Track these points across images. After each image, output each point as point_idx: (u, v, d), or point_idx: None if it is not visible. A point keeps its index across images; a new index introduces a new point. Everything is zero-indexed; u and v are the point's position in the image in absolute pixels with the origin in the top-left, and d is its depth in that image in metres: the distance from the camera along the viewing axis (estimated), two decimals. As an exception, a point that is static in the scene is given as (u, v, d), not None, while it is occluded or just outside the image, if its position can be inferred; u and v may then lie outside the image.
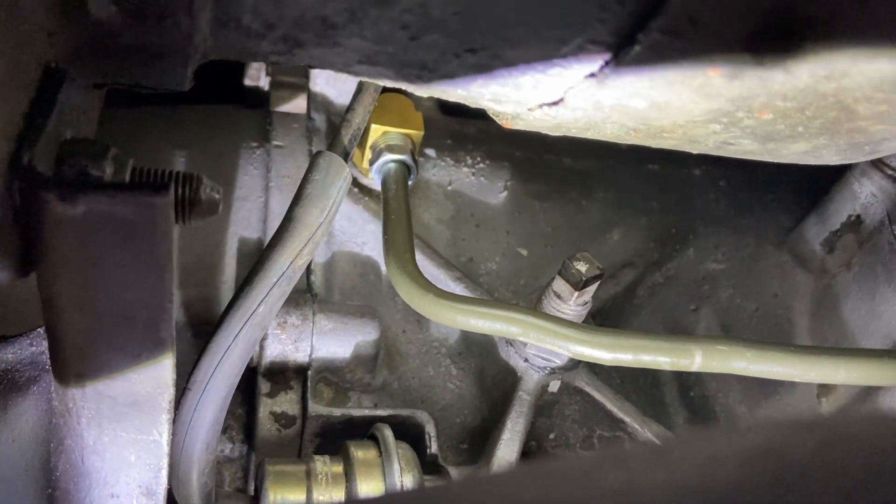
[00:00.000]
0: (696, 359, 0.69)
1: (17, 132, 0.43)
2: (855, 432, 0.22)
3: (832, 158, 0.63)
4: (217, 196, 0.51)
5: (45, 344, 0.63)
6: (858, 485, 0.19)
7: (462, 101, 0.58)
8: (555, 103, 0.53)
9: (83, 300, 0.45)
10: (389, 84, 0.56)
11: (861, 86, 0.47)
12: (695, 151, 0.65)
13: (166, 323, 0.47)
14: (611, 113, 0.53)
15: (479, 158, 1.04)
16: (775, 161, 0.65)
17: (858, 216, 0.97)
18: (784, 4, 0.40)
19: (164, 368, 0.50)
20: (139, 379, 0.51)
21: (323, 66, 0.51)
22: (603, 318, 0.99)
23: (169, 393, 0.53)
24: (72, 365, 0.50)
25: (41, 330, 0.63)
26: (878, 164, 0.94)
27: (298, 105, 1.01)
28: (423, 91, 0.56)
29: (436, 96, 0.57)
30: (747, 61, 0.43)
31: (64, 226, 0.41)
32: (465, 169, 1.03)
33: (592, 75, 0.47)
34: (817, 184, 1.06)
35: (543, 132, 0.62)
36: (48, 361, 0.62)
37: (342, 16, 0.43)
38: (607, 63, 0.45)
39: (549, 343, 0.72)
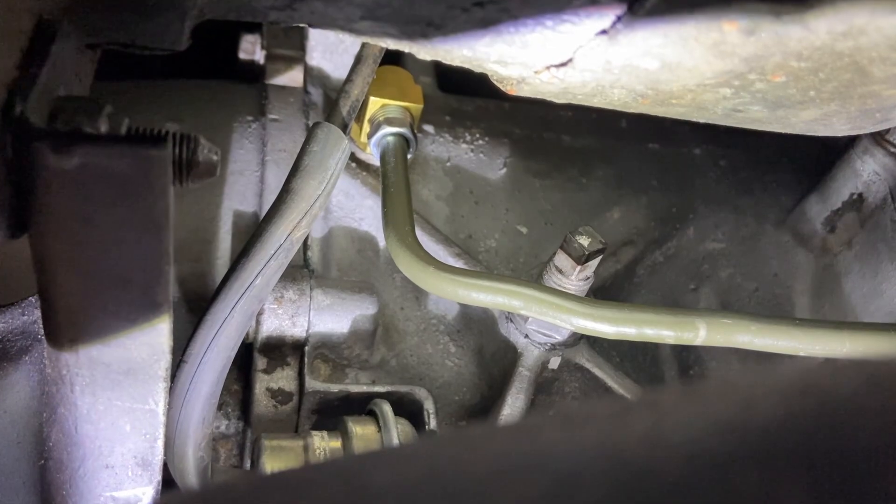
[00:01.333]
0: (701, 332, 0.68)
1: (9, 82, 0.41)
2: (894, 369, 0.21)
3: (841, 127, 0.62)
4: (215, 157, 0.50)
5: (37, 313, 0.61)
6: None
7: (466, 64, 0.56)
8: (563, 64, 0.51)
9: (77, 260, 0.43)
10: (392, 44, 0.54)
11: (878, 44, 0.46)
12: (702, 120, 0.64)
13: (163, 287, 0.46)
14: (620, 75, 0.52)
15: (477, 135, 1.03)
16: (783, 130, 0.64)
17: (860, 194, 0.96)
18: (806, -48, 0.39)
19: (160, 334, 0.49)
20: (134, 345, 0.49)
21: (324, 24, 0.50)
22: (602, 296, 0.98)
23: (165, 360, 0.51)
24: (65, 329, 0.48)
25: (33, 299, 0.61)
26: (882, 141, 0.94)
27: (294, 79, 0.99)
28: (426, 52, 0.55)
29: (439, 58, 0.56)
30: (765, 14, 0.42)
31: (57, 179, 0.39)
32: (464, 145, 1.02)
33: (604, 32, 0.45)
34: (818, 163, 1.05)
35: (549, 98, 0.61)
36: (40, 331, 0.61)
37: (347, -35, 0.42)
38: (620, 17, 0.44)
39: (551, 316, 0.70)
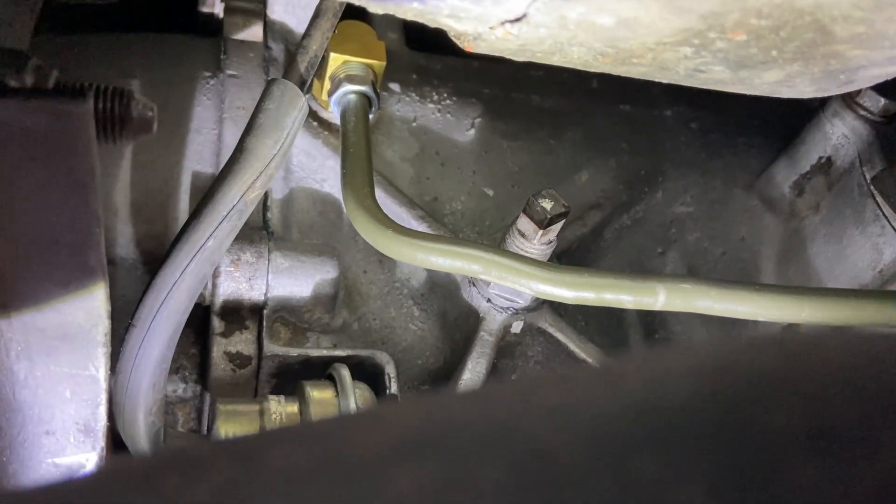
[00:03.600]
0: (660, 297, 0.68)
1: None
2: (819, 346, 0.20)
3: (806, 89, 0.61)
4: (150, 114, 0.47)
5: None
6: (821, 399, 0.17)
7: (419, 19, 0.54)
8: (517, 20, 0.49)
9: (0, 223, 0.41)
10: (340, -3, 0.52)
11: (839, 2, 0.44)
12: (665, 80, 0.62)
13: (95, 250, 0.44)
14: (577, 31, 0.50)
15: (445, 95, 1.00)
16: (748, 92, 0.63)
17: (829, 158, 0.96)
18: None
19: (95, 299, 0.47)
20: (69, 310, 0.48)
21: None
22: (569, 260, 0.97)
23: (103, 325, 0.50)
24: (-5, 294, 0.46)
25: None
26: (851, 104, 0.92)
27: (255, 33, 0.96)
28: (377, 5, 0.52)
29: (390, 12, 0.53)
30: (721, -32, 0.40)
31: (-30, 136, 0.37)
32: (431, 105, 1.00)
33: (556, -15, 0.43)
34: (788, 127, 1.04)
35: (508, 56, 0.59)
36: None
37: None
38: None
39: (510, 281, 0.69)
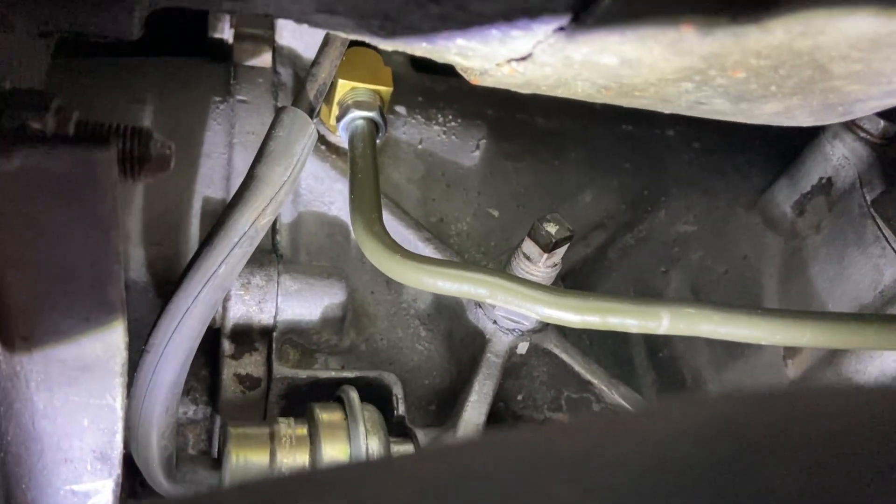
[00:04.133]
0: (664, 321, 0.69)
1: (-53, 80, 0.40)
2: (817, 406, 0.21)
3: (805, 119, 0.62)
4: (168, 152, 0.49)
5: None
6: (820, 463, 0.18)
7: (428, 56, 0.55)
8: (523, 59, 0.51)
9: (24, 260, 0.43)
10: (351, 36, 0.53)
11: (837, 43, 0.45)
12: (667, 111, 0.63)
13: (114, 285, 0.45)
14: (581, 70, 0.51)
15: (450, 116, 1.02)
16: (748, 122, 0.64)
17: (829, 179, 0.97)
18: (760, -45, 0.38)
19: (114, 332, 0.49)
20: (89, 342, 0.49)
21: (279, 15, 0.49)
22: (573, 280, 0.98)
23: (121, 356, 0.51)
24: (17, 327, 0.48)
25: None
26: (851, 126, 0.94)
27: (264, 59, 0.98)
28: (387, 44, 0.54)
29: (400, 49, 0.55)
30: (721, 17, 0.41)
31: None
32: (437, 127, 1.01)
33: (561, 29, 0.45)
34: (790, 146, 1.05)
35: (513, 89, 0.60)
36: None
37: (296, -40, 0.41)
38: (576, 17, 0.43)
39: (516, 305, 0.71)
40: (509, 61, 0.52)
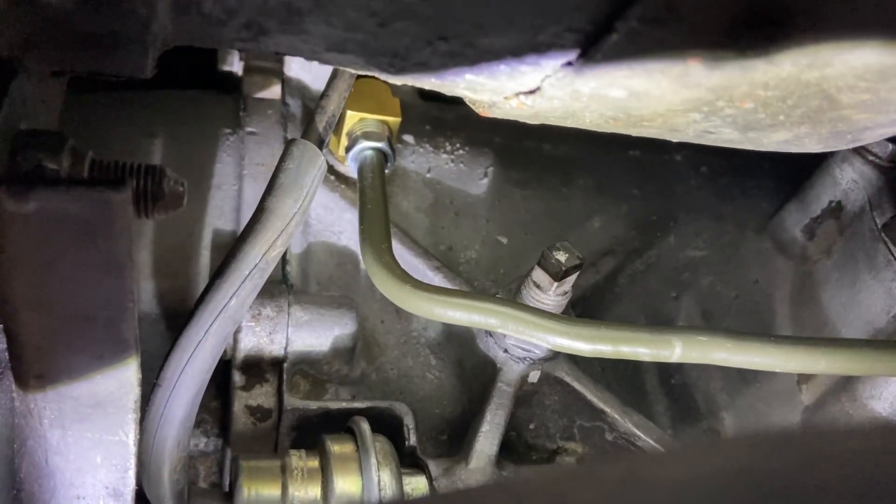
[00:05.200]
0: (677, 350, 0.68)
1: (-35, 125, 0.40)
2: (835, 449, 0.21)
3: (814, 147, 0.62)
4: (181, 189, 0.49)
5: (8, 341, 0.61)
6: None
7: (437, 90, 0.56)
8: (531, 92, 0.51)
9: (39, 300, 0.43)
10: (361, 72, 0.54)
11: (844, 75, 0.45)
12: (675, 140, 0.64)
13: (128, 323, 0.46)
14: (589, 102, 0.51)
15: (458, 145, 1.02)
16: (757, 149, 0.64)
17: (839, 202, 0.97)
18: (766, -8, 0.39)
19: (128, 369, 0.49)
20: (102, 380, 0.49)
21: (290, 53, 0.50)
22: (583, 307, 0.98)
23: (134, 393, 0.51)
24: (31, 366, 0.48)
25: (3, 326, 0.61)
26: (860, 150, 0.94)
27: (273, 90, 0.99)
28: (396, 79, 0.54)
29: (409, 84, 0.55)
30: (728, 51, 0.42)
31: (15, 223, 0.39)
32: (445, 155, 1.02)
33: (569, 64, 0.45)
34: (799, 170, 1.05)
35: (521, 120, 0.60)
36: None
37: (307, 2, 0.41)
38: (584, 52, 0.44)
39: (528, 335, 0.70)
40: (518, 95, 0.52)
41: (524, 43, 0.44)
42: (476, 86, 0.52)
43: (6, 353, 0.61)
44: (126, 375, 0.49)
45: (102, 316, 0.44)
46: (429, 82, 0.53)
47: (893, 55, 0.44)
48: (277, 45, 0.48)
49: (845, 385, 0.86)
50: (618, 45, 0.42)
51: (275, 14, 0.43)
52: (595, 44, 0.43)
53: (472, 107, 0.61)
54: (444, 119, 1.05)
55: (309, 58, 0.49)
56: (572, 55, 0.44)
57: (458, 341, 0.91)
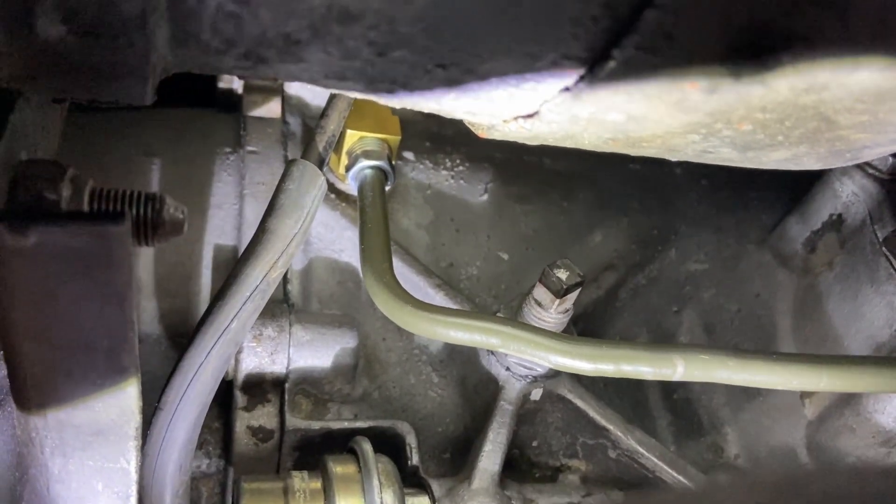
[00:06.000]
0: (679, 368, 0.68)
1: (-36, 159, 0.41)
2: (838, 495, 0.20)
3: (813, 164, 0.62)
4: (181, 216, 0.49)
5: (9, 367, 0.61)
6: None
7: (436, 113, 0.56)
8: (530, 116, 0.51)
9: (40, 331, 0.43)
10: (360, 97, 0.54)
11: (841, 98, 0.46)
12: (674, 159, 0.64)
13: (129, 352, 0.46)
14: (587, 125, 0.52)
15: (458, 161, 1.03)
16: (755, 167, 0.64)
17: (840, 215, 0.96)
18: (761, 20, 0.39)
19: (128, 397, 0.49)
20: (103, 408, 0.49)
21: (289, 79, 0.50)
22: (585, 323, 0.98)
23: (135, 420, 0.51)
24: (32, 395, 0.48)
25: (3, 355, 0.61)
26: (860, 163, 0.94)
27: (273, 109, 0.99)
28: (395, 103, 0.54)
29: (409, 107, 0.55)
30: (725, 76, 0.42)
31: (15, 257, 0.39)
32: (445, 172, 1.02)
33: (567, 89, 0.45)
34: (799, 182, 1.05)
35: (520, 141, 0.61)
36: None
37: (305, 32, 0.42)
38: (582, 78, 0.44)
39: (529, 354, 0.70)
40: (516, 118, 0.52)
41: (522, 69, 0.44)
42: (475, 110, 0.52)
43: (7, 381, 0.61)
44: (127, 403, 0.49)
45: (103, 345, 0.45)
46: (428, 107, 0.53)
47: (890, 78, 0.44)
48: (276, 73, 0.48)
49: (849, 400, 0.86)
50: (615, 72, 0.42)
51: (273, 44, 0.43)
52: (592, 70, 0.43)
53: (472, 128, 0.61)
54: (444, 135, 1.05)
55: (308, 83, 0.50)
56: (570, 81, 0.45)
57: (461, 359, 0.91)
